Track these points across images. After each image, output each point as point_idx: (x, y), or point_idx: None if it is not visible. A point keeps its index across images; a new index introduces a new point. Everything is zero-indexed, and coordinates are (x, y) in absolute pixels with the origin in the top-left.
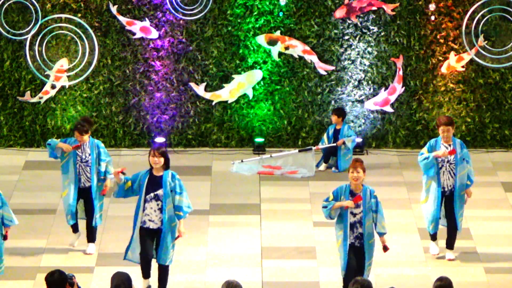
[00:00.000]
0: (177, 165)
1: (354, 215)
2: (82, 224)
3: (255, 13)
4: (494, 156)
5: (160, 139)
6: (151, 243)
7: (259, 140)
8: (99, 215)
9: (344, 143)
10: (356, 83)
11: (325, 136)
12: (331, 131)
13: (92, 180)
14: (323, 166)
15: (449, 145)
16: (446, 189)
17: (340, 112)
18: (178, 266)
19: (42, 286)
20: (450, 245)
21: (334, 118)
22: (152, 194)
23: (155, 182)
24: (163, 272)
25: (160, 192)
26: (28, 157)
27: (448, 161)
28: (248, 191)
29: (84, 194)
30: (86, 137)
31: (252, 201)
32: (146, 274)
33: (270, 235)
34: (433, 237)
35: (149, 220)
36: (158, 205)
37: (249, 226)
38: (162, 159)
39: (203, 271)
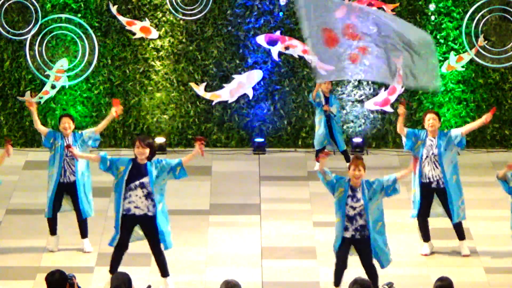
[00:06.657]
0: None
1: (354, 208)
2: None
3: (255, 13)
4: (494, 156)
5: (160, 139)
6: (131, 233)
7: (259, 140)
8: (88, 206)
9: (330, 111)
10: (356, 83)
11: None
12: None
13: (77, 174)
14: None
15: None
16: (432, 180)
17: None
18: (178, 266)
19: (42, 286)
20: (460, 236)
21: (327, 85)
22: (137, 182)
23: (139, 171)
24: (161, 257)
25: (145, 180)
26: (28, 157)
27: (432, 153)
28: (248, 191)
29: (69, 188)
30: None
31: (252, 201)
32: (114, 268)
33: (270, 235)
34: (425, 236)
35: (135, 207)
36: (143, 192)
37: (249, 226)
38: (147, 150)
39: (203, 271)
